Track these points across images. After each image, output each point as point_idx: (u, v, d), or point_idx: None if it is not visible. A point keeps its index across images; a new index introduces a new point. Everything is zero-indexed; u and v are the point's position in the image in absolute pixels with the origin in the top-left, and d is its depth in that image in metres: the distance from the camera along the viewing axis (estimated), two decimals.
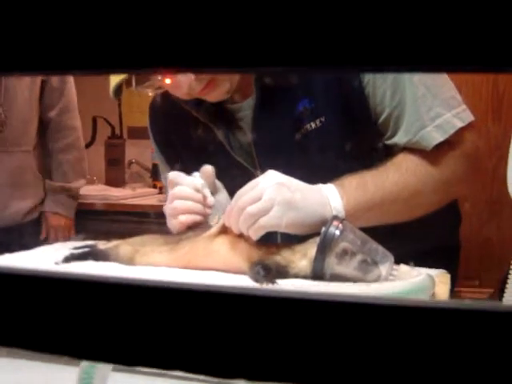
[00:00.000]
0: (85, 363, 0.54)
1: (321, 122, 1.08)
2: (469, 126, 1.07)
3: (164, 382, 0.68)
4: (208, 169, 1.04)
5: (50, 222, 2.10)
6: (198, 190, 1.02)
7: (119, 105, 2.97)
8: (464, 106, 1.07)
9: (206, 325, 0.29)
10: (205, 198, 1.02)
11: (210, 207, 1.02)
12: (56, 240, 1.95)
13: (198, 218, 1.02)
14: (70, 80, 2.11)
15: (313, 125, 1.08)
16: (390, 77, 1.04)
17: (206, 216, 1.02)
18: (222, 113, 1.16)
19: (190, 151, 1.20)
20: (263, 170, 1.09)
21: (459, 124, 1.05)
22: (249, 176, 1.11)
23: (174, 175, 1.04)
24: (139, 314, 0.30)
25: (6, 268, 0.32)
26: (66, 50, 0.28)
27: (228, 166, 1.13)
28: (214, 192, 1.05)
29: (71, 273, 0.31)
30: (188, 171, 1.08)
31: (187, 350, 0.30)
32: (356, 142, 1.08)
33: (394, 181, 1.02)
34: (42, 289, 0.31)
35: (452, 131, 1.05)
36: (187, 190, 1.02)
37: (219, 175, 1.08)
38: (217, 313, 0.29)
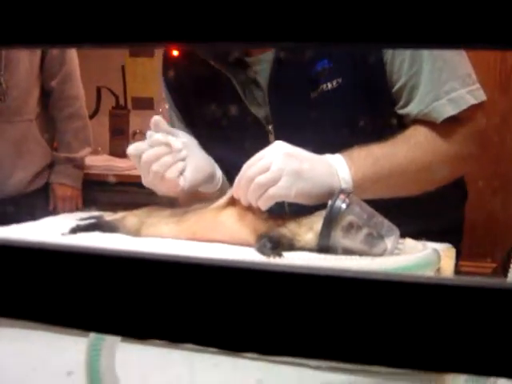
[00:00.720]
0: (93, 334, 0.54)
1: (337, 83, 1.07)
2: (480, 105, 1.08)
3: (173, 353, 0.69)
4: (156, 119, 1.01)
5: (57, 192, 2.11)
6: (161, 144, 0.99)
7: (123, 75, 2.95)
8: (478, 85, 1.08)
9: (215, 299, 0.29)
10: (170, 145, 0.99)
11: (180, 150, 1.00)
12: (64, 211, 1.95)
13: (178, 166, 1.00)
14: (72, 49, 2.10)
15: (329, 85, 1.08)
16: None
17: (183, 159, 1.01)
18: (239, 64, 1.14)
19: (205, 101, 1.19)
20: (276, 126, 1.10)
21: (472, 101, 1.06)
22: (261, 130, 1.12)
23: (132, 149, 1.02)
24: (149, 287, 0.30)
25: (15, 241, 0.32)
26: (67, 22, 0.28)
27: (242, 117, 1.13)
28: (175, 136, 1.03)
29: (80, 245, 0.31)
30: (200, 125, 1.07)
31: (197, 323, 0.30)
32: (369, 109, 1.09)
33: (403, 154, 1.03)
34: (50, 261, 0.31)
35: (464, 107, 1.05)
36: (151, 152, 0.99)
37: (232, 127, 1.08)
38: (227, 286, 0.29)
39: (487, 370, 0.25)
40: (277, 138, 1.10)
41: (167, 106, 1.32)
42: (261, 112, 1.13)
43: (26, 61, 1.95)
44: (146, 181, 1.02)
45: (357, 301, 0.26)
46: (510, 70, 2.23)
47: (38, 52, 1.99)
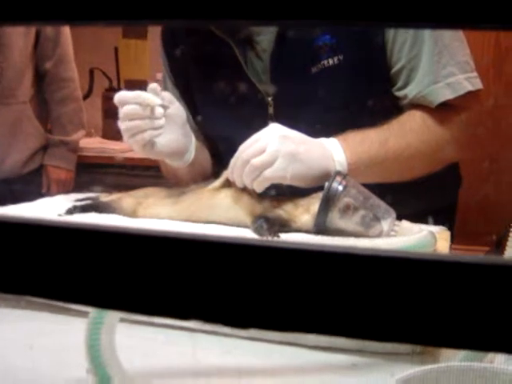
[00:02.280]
0: (93, 314, 0.55)
1: (338, 59, 1.07)
2: (476, 93, 1.09)
3: (170, 332, 0.69)
4: (154, 85, 1.00)
5: (51, 175, 2.11)
6: (144, 104, 0.98)
7: (116, 56, 2.94)
8: (476, 73, 1.09)
9: (214, 275, 0.29)
10: (152, 110, 0.99)
11: (158, 118, 1.00)
12: (58, 193, 1.96)
13: (152, 133, 1.00)
14: (66, 31, 2.09)
15: (330, 61, 1.08)
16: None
17: (158, 128, 1.00)
18: (243, 33, 1.14)
19: (205, 69, 1.18)
20: (275, 98, 1.09)
21: (469, 87, 1.07)
22: (261, 102, 1.12)
23: (120, 94, 1.00)
24: (149, 264, 0.30)
25: (12, 217, 0.32)
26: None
27: (242, 87, 1.12)
28: (165, 106, 1.02)
29: (78, 222, 0.31)
30: (198, 94, 1.07)
31: (197, 300, 0.30)
32: (367, 88, 1.09)
33: (398, 139, 1.03)
34: (48, 238, 0.32)
35: (462, 92, 1.06)
36: (133, 108, 0.98)
37: (232, 97, 1.08)
38: (225, 263, 0.29)
39: (485, 345, 0.25)
40: (275, 111, 1.11)
41: (162, 74, 1.31)
42: (261, 83, 1.13)
43: (20, 42, 1.94)
44: (119, 126, 1.01)
45: (354, 277, 0.27)
46: (504, 54, 2.23)
47: (32, 34, 1.98)
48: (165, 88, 1.27)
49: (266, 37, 1.12)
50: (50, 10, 0.28)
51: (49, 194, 2.05)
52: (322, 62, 1.08)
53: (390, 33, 1.06)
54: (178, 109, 1.05)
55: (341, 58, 1.07)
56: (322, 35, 1.07)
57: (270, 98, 1.12)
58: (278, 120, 1.08)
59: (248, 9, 0.26)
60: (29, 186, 1.98)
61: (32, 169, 2.07)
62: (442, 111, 1.07)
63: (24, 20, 0.30)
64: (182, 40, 1.21)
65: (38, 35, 2.01)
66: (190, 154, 1.11)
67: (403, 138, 1.04)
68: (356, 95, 1.08)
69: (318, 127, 1.02)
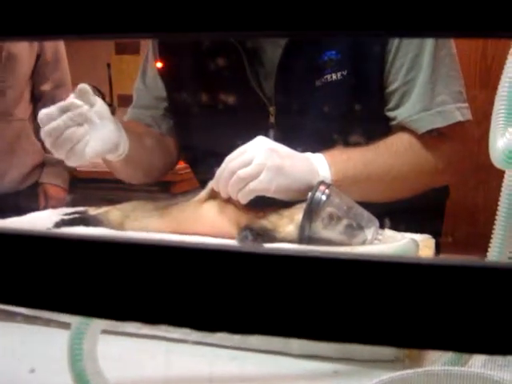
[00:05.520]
0: (75, 325, 0.55)
1: (342, 75, 1.09)
2: (465, 124, 1.10)
3: (150, 343, 0.70)
4: (83, 86, 1.00)
5: (49, 193, 2.13)
6: (75, 113, 0.98)
7: (109, 73, 2.95)
8: (467, 104, 1.11)
9: (189, 281, 0.30)
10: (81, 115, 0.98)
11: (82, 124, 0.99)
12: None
13: (81, 143, 0.98)
14: (64, 56, 2.12)
15: (334, 76, 1.10)
16: (411, 53, 1.07)
17: (84, 133, 0.99)
18: (252, 42, 1.15)
19: (207, 73, 1.19)
20: (278, 108, 1.11)
21: (460, 117, 1.08)
22: (262, 111, 1.13)
23: (43, 111, 1.00)
24: (125, 271, 0.31)
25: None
26: (56, 14, 0.28)
27: (245, 95, 1.14)
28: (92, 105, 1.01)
29: (62, 232, 0.32)
30: (196, 98, 1.08)
31: (171, 306, 0.31)
32: (364, 105, 1.10)
33: (383, 161, 1.04)
34: (28, 248, 0.32)
35: (452, 121, 1.08)
36: (56, 123, 0.98)
37: (234, 102, 1.09)
38: (198, 269, 0.30)
39: (468, 347, 0.26)
40: (277, 121, 1.12)
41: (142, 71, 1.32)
42: (264, 92, 1.14)
43: (24, 63, 1.97)
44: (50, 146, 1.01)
45: (333, 281, 0.27)
46: (490, 65, 2.25)
47: (33, 55, 2.01)
48: (143, 81, 1.30)
49: (275, 46, 1.13)
50: (43, 24, 0.29)
51: (45, 209, 2.06)
52: (326, 76, 1.10)
53: (391, 53, 1.08)
54: (102, 104, 1.04)
55: (344, 73, 1.09)
56: (328, 50, 1.09)
57: (272, 108, 1.13)
58: (278, 129, 1.09)
59: (255, 21, 0.27)
60: (25, 200, 2.00)
61: (29, 184, 2.09)
62: (430, 137, 1.08)
63: (19, 34, 0.30)
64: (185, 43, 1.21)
65: (38, 58, 2.03)
66: (124, 147, 1.09)
67: (388, 160, 1.05)
68: (352, 110, 1.10)
69: (314, 138, 1.03)
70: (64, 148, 0.98)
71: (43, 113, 0.99)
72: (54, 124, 0.98)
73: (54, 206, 2.07)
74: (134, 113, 1.33)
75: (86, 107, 0.99)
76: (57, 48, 2.07)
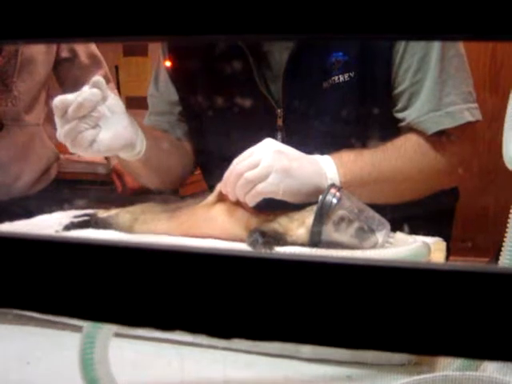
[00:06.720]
0: (87, 329, 0.55)
1: (349, 76, 1.09)
2: (475, 125, 1.09)
3: (163, 346, 0.70)
4: (98, 79, 0.98)
5: (125, 179, 2.13)
6: (88, 104, 0.96)
7: (117, 75, 2.96)
8: (477, 105, 1.10)
9: (203, 287, 0.30)
10: (94, 107, 0.97)
11: (97, 115, 0.97)
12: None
13: (92, 132, 0.98)
14: (101, 58, 2.12)
15: (341, 78, 1.09)
16: (418, 54, 1.06)
17: (97, 126, 0.98)
18: (259, 44, 1.14)
19: (215, 75, 1.18)
20: (286, 110, 1.10)
21: (469, 118, 1.07)
22: (269, 112, 1.12)
23: (60, 98, 0.97)
24: (139, 276, 0.31)
25: (8, 233, 0.32)
26: (66, 16, 0.28)
27: (252, 98, 1.13)
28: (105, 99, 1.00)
29: (71, 237, 0.32)
30: (205, 100, 1.08)
31: (185, 312, 0.30)
32: (371, 106, 1.10)
33: (391, 163, 1.04)
34: (39, 252, 0.32)
35: (461, 122, 1.07)
36: (72, 109, 0.96)
37: (241, 105, 1.09)
38: (213, 275, 0.30)
39: (480, 353, 0.25)
40: (285, 123, 1.11)
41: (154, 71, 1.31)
42: (271, 94, 1.14)
43: (41, 67, 1.97)
44: (60, 135, 0.99)
45: (349, 287, 0.27)
46: (500, 67, 2.24)
47: (51, 59, 2.01)
48: (156, 87, 1.29)
49: (281, 49, 1.13)
50: (52, 26, 0.29)
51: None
52: (333, 78, 1.10)
53: (398, 54, 1.07)
54: (116, 98, 1.02)
55: (352, 74, 1.09)
56: (335, 52, 1.09)
57: (279, 110, 1.12)
58: (286, 132, 1.09)
59: (265, 24, 0.26)
60: (39, 203, 2.00)
61: (42, 187, 2.09)
62: (439, 138, 1.07)
63: (27, 37, 0.30)
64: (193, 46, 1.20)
65: (63, 61, 2.04)
66: (141, 147, 1.08)
67: (396, 161, 1.05)
68: (360, 112, 1.09)
69: (322, 140, 1.03)
70: (81, 147, 0.98)
71: (59, 99, 0.97)
72: (66, 128, 0.97)
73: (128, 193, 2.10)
74: (150, 120, 1.32)
75: (99, 97, 0.97)
76: (89, 50, 2.07)
